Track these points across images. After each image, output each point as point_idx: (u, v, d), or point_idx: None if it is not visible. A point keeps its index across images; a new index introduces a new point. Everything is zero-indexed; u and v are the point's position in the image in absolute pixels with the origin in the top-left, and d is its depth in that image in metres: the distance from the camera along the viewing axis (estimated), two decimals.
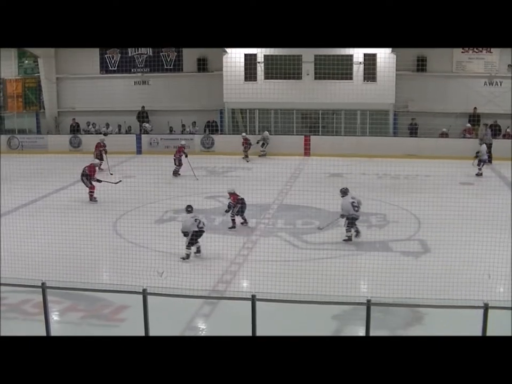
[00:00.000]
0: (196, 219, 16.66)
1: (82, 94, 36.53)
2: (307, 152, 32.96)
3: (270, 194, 22.14)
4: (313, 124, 34.77)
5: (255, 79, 34.07)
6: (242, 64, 33.86)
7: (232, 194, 19.50)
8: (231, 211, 19.27)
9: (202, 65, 35.45)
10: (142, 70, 36.65)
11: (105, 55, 37.01)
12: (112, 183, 22.88)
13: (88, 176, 23.19)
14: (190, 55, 35.72)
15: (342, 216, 18.13)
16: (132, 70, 36.64)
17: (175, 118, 35.70)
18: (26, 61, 38.66)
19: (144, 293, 9.34)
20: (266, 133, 33.34)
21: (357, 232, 18.25)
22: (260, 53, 33.81)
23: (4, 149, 34.44)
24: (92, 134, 35.84)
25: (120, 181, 23.00)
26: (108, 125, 35.92)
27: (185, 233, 16.63)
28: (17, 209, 21.86)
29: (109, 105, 35.62)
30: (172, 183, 21.97)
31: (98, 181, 23.09)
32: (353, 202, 18.04)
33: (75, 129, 36.57)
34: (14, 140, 35.97)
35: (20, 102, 38.95)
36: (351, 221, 18.02)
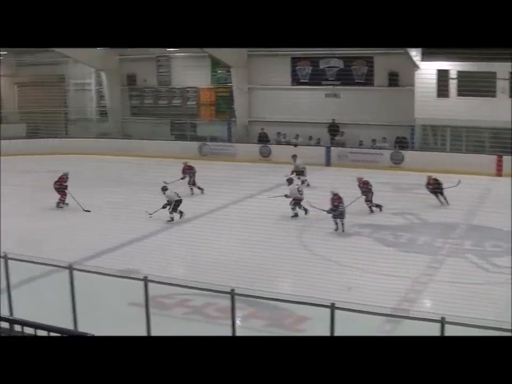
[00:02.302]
0: (175, 192, 22.51)
1: (273, 104, 37.00)
2: (499, 172, 31.81)
3: (458, 214, 21.58)
4: (506, 143, 33.44)
5: (447, 95, 33.26)
6: (434, 79, 33.19)
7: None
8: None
9: (393, 80, 35.06)
10: (332, 82, 36.66)
11: (297, 67, 37.34)
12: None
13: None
14: (381, 69, 35.39)
15: (286, 196, 22.66)
16: (323, 83, 36.75)
17: (364, 131, 35.44)
18: (220, 71, 39.61)
19: (332, 307, 9.28)
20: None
21: (305, 210, 22.26)
22: (453, 68, 33.00)
23: (195, 155, 35.54)
24: (282, 144, 36.23)
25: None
26: (297, 136, 36.19)
27: (169, 202, 22.19)
28: (205, 214, 22.47)
29: (298, 116, 35.87)
30: (357, 199, 21.81)
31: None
32: (298, 187, 23.03)
33: (263, 139, 37.13)
34: (205, 147, 37.02)
35: (212, 110, 40.01)
36: (296, 202, 22.37)
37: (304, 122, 36.08)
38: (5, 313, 11.19)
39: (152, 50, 39.09)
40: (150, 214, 21.95)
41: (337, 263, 16.82)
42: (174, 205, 22.18)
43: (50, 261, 13.06)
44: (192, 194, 26.28)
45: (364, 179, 23.37)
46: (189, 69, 39.48)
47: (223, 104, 39.73)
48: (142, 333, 10.75)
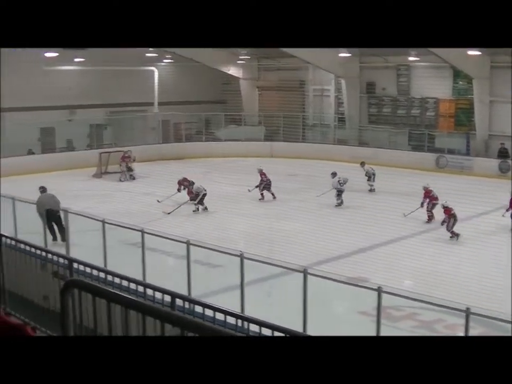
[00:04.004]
0: (203, 188, 25.50)
1: None
2: None
3: None
4: None
5: None
6: None
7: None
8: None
9: None
10: None
11: None
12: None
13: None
14: None
15: (335, 189, 26.11)
16: None
17: None
18: (461, 82, 38.79)
19: None
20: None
21: (341, 202, 26.04)
22: None
23: (432, 167, 35.08)
24: None
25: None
26: None
27: (197, 194, 25.42)
28: (433, 229, 22.14)
29: None
30: None
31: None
32: (339, 180, 26.21)
33: (503, 154, 35.87)
34: (442, 159, 36.39)
35: (451, 122, 39.18)
36: (338, 193, 26.06)
37: None
38: (237, 310, 11.63)
39: (392, 59, 39.12)
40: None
41: None
42: (201, 197, 25.38)
43: (284, 263, 13.40)
44: (261, 199, 27.62)
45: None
46: (429, 79, 39.05)
47: (462, 117, 38.82)
48: None
